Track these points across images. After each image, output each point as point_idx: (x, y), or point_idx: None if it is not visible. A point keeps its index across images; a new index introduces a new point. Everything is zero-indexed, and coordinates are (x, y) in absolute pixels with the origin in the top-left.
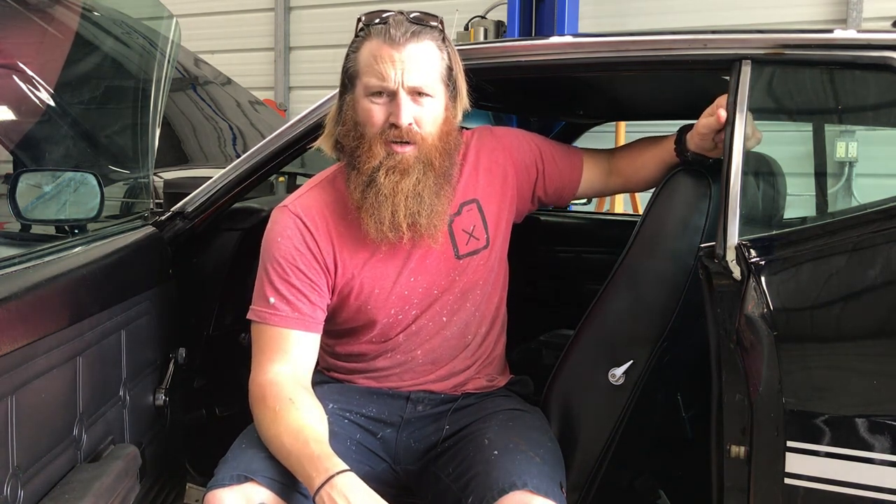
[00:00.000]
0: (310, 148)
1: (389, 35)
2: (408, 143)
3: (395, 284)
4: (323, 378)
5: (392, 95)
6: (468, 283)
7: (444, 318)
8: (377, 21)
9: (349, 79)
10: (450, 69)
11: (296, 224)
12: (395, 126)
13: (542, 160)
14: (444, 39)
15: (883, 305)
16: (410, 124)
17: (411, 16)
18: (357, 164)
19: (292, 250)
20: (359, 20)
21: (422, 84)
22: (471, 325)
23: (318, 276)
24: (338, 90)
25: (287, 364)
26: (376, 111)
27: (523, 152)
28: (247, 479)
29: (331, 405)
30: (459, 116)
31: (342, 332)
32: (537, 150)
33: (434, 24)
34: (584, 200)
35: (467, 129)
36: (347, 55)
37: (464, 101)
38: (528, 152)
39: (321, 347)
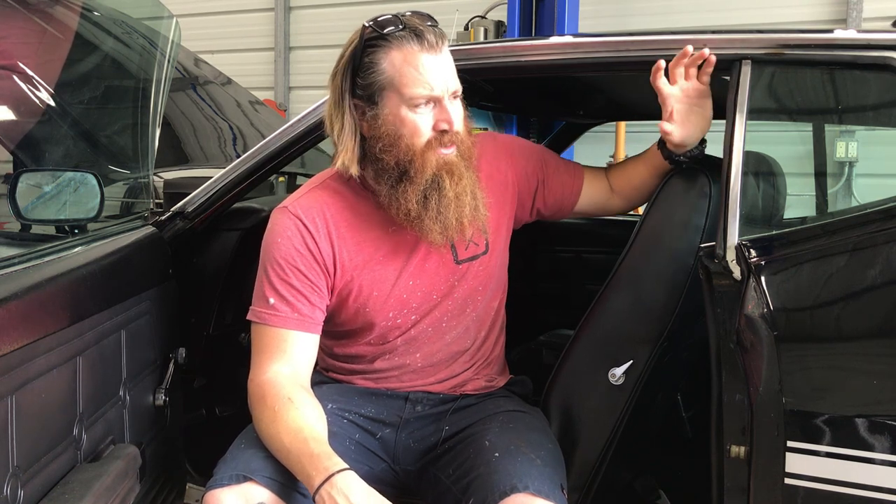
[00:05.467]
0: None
1: (427, 41)
2: (452, 144)
3: (393, 287)
4: (322, 378)
5: (436, 102)
6: (468, 290)
7: (444, 325)
8: (399, 28)
9: (375, 91)
10: None
11: (296, 225)
12: (444, 132)
13: (544, 171)
14: None
15: (883, 305)
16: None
17: (426, 15)
18: (407, 176)
19: (292, 251)
20: (364, 28)
21: (458, 86)
22: (471, 330)
23: (318, 277)
24: (341, 100)
25: (286, 364)
26: (423, 121)
27: (525, 161)
28: (246, 479)
29: (330, 405)
30: None
31: (341, 333)
32: (540, 161)
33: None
34: None
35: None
36: (362, 67)
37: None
38: (530, 162)
39: (320, 348)
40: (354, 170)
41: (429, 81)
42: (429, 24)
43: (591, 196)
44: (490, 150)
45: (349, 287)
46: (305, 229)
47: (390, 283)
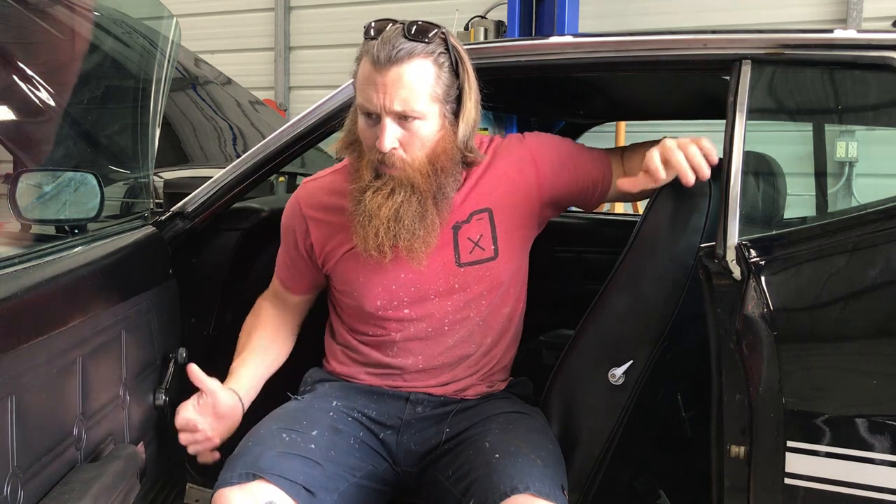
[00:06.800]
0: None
1: (374, 56)
2: (383, 165)
3: (380, 276)
4: (324, 376)
5: (378, 118)
6: (471, 294)
7: (447, 327)
8: (371, 36)
9: (354, 88)
10: (448, 86)
11: (296, 205)
12: (378, 150)
13: (573, 169)
14: (446, 50)
15: (883, 305)
16: (395, 149)
17: (412, 29)
18: (354, 177)
19: (287, 228)
20: (365, 28)
21: (406, 109)
22: (475, 335)
23: (298, 254)
24: (341, 87)
25: (275, 298)
26: (367, 132)
27: (551, 163)
28: (254, 478)
29: (335, 403)
30: (463, 132)
31: (347, 311)
32: (568, 159)
33: (430, 38)
34: None
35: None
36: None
37: (469, 116)
38: (556, 161)
39: (329, 336)
40: (337, 148)
41: (368, 95)
42: (408, 35)
43: (614, 188)
44: (515, 152)
45: (337, 268)
46: (300, 212)
47: (377, 272)
